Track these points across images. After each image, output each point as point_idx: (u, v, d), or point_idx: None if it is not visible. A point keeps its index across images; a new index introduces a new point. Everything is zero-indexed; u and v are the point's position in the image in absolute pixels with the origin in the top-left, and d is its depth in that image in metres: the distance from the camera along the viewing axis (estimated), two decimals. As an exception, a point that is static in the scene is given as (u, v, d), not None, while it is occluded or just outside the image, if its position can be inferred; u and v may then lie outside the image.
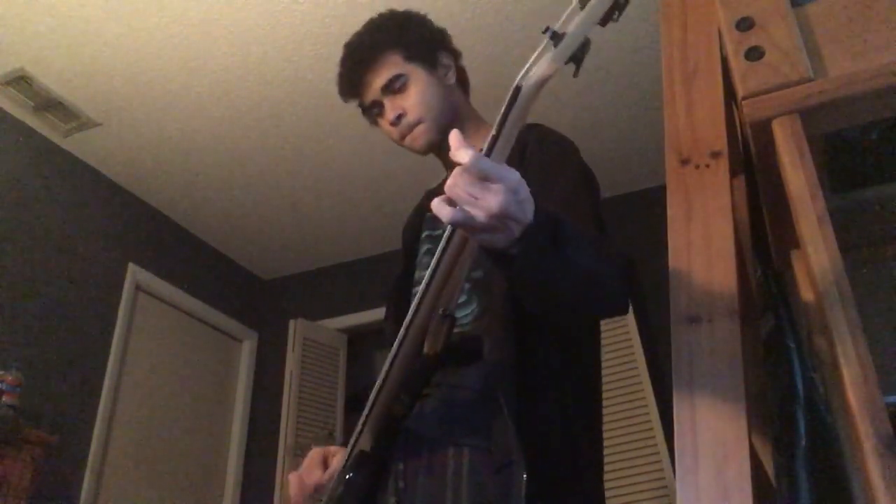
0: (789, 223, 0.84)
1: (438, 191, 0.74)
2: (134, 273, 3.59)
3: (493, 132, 0.70)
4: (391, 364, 0.92)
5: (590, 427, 1.03)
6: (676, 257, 0.82)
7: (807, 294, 0.98)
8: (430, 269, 0.84)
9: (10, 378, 2.62)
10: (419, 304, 0.87)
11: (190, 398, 3.82)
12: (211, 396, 3.98)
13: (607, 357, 3.26)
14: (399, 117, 1.15)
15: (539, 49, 0.67)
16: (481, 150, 0.71)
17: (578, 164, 1.09)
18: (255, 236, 4.18)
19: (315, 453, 1.12)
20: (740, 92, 0.86)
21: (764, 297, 1.01)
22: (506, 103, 0.69)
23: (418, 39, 1.20)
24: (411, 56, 1.17)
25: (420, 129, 1.15)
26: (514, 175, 0.69)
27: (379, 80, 1.16)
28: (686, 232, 0.83)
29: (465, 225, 0.71)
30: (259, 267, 4.54)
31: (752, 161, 0.95)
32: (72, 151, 3.39)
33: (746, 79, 0.86)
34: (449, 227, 0.79)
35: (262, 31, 2.79)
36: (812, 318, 0.95)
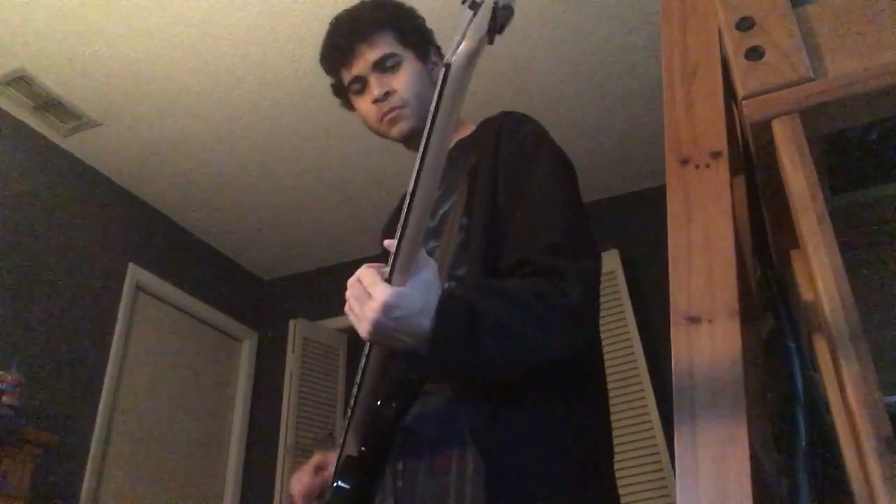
0: (789, 223, 0.83)
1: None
2: (134, 273, 3.59)
3: (430, 114, 0.69)
4: (364, 366, 0.92)
5: (580, 426, 0.98)
6: (676, 257, 0.81)
7: (807, 294, 0.97)
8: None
9: (10, 378, 2.62)
10: None
11: (190, 398, 3.82)
12: (211, 396, 3.98)
13: (607, 357, 3.25)
14: (386, 94, 1.13)
15: (466, 24, 0.66)
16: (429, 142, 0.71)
17: (553, 156, 1.07)
18: (255, 236, 4.18)
19: (314, 458, 1.12)
20: (740, 92, 0.86)
21: (764, 297, 1.01)
22: (438, 84, 0.68)
23: (413, 28, 1.20)
24: (406, 41, 1.17)
25: (405, 111, 1.13)
26: (391, 293, 0.76)
27: (373, 54, 1.14)
28: (686, 232, 0.82)
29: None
30: (259, 267, 4.54)
31: (752, 161, 0.95)
32: (72, 151, 3.39)
33: (746, 79, 0.86)
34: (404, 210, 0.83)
35: (262, 31, 2.80)
36: (812, 318, 0.95)
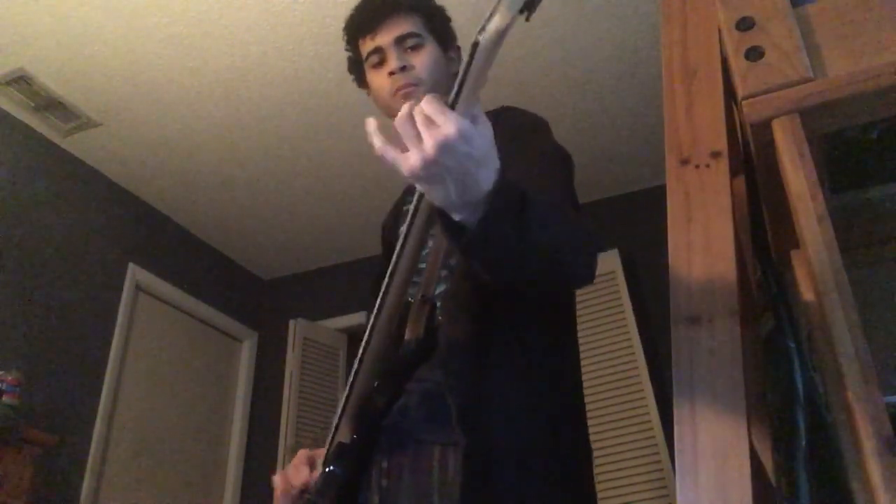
0: (789, 223, 0.84)
1: (414, 187, 0.74)
2: (134, 273, 3.59)
3: (454, 90, 0.68)
4: (363, 352, 0.91)
5: (559, 415, 0.97)
6: (676, 257, 0.81)
7: (807, 294, 0.98)
8: (397, 248, 0.83)
9: (10, 378, 2.62)
10: (387, 286, 0.86)
11: (190, 398, 3.82)
12: (211, 396, 3.98)
13: (607, 357, 3.26)
14: (403, 68, 1.14)
15: (497, 2, 0.65)
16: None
17: (550, 141, 1.08)
18: (255, 236, 4.18)
19: (301, 454, 1.11)
20: (740, 92, 0.86)
21: (764, 297, 1.01)
22: (465, 61, 0.67)
23: (440, 18, 1.22)
24: (431, 27, 1.19)
25: (418, 90, 1.13)
26: (470, 126, 0.66)
27: (399, 28, 1.15)
28: (686, 232, 0.82)
29: (394, 162, 0.68)
30: (259, 267, 4.54)
31: (752, 161, 0.95)
32: (72, 151, 3.39)
33: (746, 79, 0.86)
34: (415, 200, 0.78)
35: (262, 31, 2.80)
36: (812, 318, 0.95)
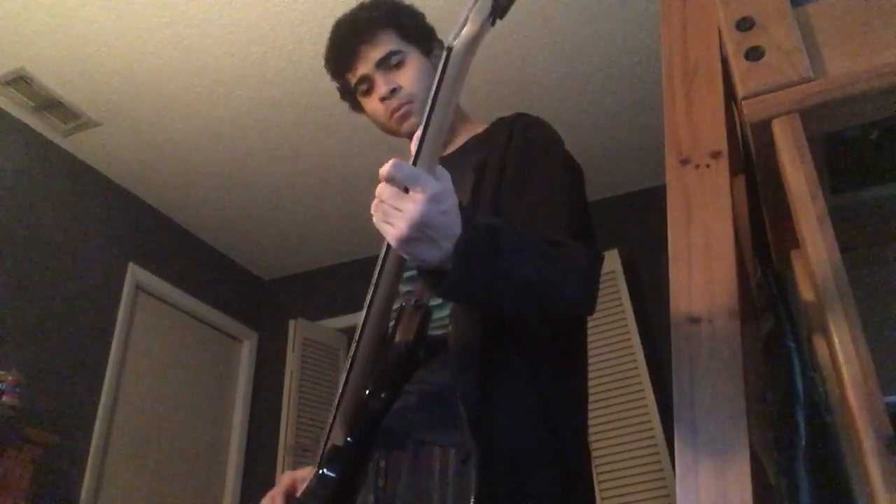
0: (789, 223, 0.84)
1: None
2: (134, 273, 3.59)
3: (430, 98, 0.69)
4: (354, 355, 0.91)
5: (566, 419, 0.96)
6: (676, 257, 0.81)
7: (807, 294, 0.98)
8: (380, 256, 0.83)
9: (10, 378, 2.62)
10: (373, 294, 0.86)
11: (190, 398, 3.82)
12: (211, 396, 3.98)
13: (607, 357, 3.26)
14: (393, 91, 1.14)
15: (469, 7, 0.66)
16: (420, 147, 0.71)
17: (562, 157, 1.07)
18: (255, 236, 4.18)
19: (285, 478, 1.11)
20: (740, 92, 0.86)
21: (764, 297, 1.01)
22: (440, 67, 0.68)
23: (414, 24, 1.20)
24: (407, 37, 1.17)
25: (413, 107, 1.14)
26: (439, 184, 0.69)
27: (376, 53, 1.15)
28: (686, 232, 0.83)
29: (390, 238, 0.70)
30: (259, 267, 4.54)
31: (752, 161, 0.95)
32: (72, 151, 3.39)
33: (746, 79, 0.86)
34: None
35: (262, 31, 2.80)
36: (812, 318, 0.95)
